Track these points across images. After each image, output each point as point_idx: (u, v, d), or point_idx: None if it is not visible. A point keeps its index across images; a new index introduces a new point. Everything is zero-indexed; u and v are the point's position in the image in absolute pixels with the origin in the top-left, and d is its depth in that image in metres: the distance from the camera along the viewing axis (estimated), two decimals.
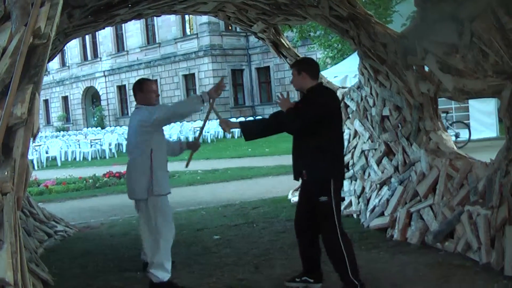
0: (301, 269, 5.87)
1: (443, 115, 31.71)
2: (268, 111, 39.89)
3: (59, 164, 25.86)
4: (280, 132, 5.70)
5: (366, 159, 9.03)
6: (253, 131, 5.88)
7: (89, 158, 27.29)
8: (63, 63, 53.85)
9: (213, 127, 32.24)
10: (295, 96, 34.28)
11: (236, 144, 27.97)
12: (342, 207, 9.11)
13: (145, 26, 44.87)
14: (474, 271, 5.88)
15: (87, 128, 44.95)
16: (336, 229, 5.34)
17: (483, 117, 19.98)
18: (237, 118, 35.31)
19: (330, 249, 5.43)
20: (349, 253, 5.33)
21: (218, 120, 6.16)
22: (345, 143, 9.61)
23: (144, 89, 6.30)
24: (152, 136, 6.01)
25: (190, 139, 24.66)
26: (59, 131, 46.00)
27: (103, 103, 49.33)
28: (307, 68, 5.60)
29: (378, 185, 8.46)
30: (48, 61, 5.02)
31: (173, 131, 29.98)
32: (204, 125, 7.15)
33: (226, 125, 5.97)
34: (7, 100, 3.74)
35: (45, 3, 4.18)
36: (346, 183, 9.37)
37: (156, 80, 42.37)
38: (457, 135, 19.30)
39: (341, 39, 17.21)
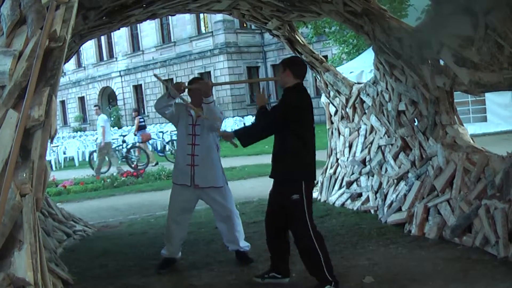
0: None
1: None
2: None
3: (76, 164, 26.00)
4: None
5: (383, 154, 9.02)
6: (247, 135, 6.01)
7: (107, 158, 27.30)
8: (79, 64, 54.03)
9: (229, 125, 32.25)
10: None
11: None
12: (359, 203, 9.13)
13: (160, 25, 44.90)
14: (492, 265, 5.86)
15: None
16: (308, 228, 5.36)
17: (499, 110, 19.79)
18: (253, 115, 35.21)
19: (303, 249, 5.46)
20: (323, 251, 5.35)
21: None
22: (362, 138, 9.62)
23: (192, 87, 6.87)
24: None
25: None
26: (76, 132, 46.16)
27: (120, 103, 49.45)
28: (291, 66, 5.66)
29: (395, 180, 8.45)
30: (64, 63, 5.06)
31: None
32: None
33: (228, 137, 6.16)
34: (25, 102, 3.78)
35: (60, 6, 4.22)
36: (363, 178, 9.38)
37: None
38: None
39: (356, 34, 17.16)
